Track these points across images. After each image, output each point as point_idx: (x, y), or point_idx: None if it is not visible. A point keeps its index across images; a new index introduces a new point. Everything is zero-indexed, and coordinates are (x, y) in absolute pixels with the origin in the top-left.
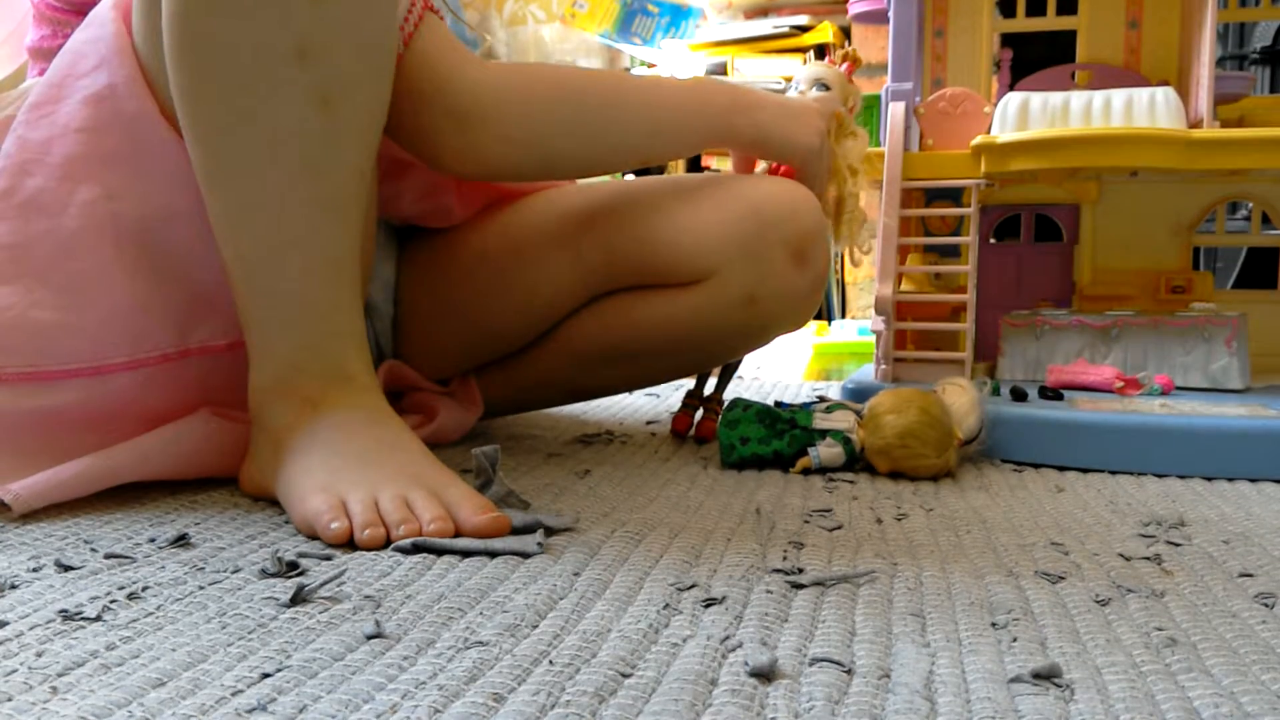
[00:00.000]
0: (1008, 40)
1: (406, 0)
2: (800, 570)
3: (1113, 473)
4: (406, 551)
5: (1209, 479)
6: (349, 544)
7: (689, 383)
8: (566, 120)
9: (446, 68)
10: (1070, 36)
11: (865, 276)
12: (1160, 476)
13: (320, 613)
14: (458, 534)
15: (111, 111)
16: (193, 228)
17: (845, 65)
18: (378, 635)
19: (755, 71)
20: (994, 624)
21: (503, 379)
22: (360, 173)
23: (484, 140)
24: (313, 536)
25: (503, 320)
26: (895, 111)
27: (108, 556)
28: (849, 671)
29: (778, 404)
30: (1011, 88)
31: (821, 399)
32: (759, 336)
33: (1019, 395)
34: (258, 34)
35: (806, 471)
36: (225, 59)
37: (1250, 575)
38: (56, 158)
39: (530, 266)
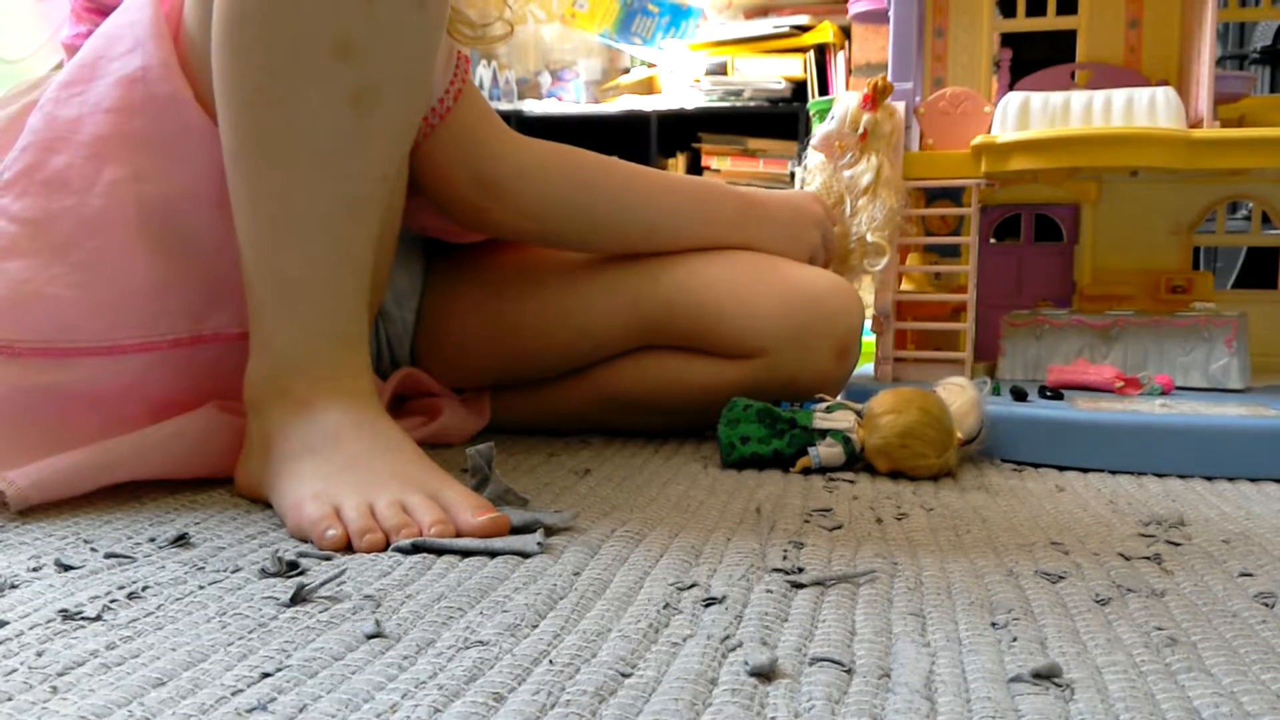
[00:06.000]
0: (1008, 40)
1: (452, 60)
2: (800, 570)
3: (1113, 472)
4: (406, 551)
5: (1209, 479)
6: (347, 549)
7: None
8: (575, 207)
9: (479, 139)
10: (1070, 36)
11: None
12: (1160, 476)
13: (320, 612)
14: (458, 535)
15: (144, 94)
16: (216, 214)
17: (863, 93)
18: (378, 635)
19: (755, 71)
20: (994, 623)
21: (520, 402)
22: (383, 176)
23: (499, 208)
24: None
25: (544, 351)
26: (899, 113)
27: (108, 556)
28: (849, 671)
29: (777, 403)
30: (1011, 87)
31: (821, 398)
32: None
33: (1019, 395)
34: (302, 23)
35: (806, 471)
36: (266, 43)
37: (1250, 575)
38: (85, 136)
39: (586, 306)
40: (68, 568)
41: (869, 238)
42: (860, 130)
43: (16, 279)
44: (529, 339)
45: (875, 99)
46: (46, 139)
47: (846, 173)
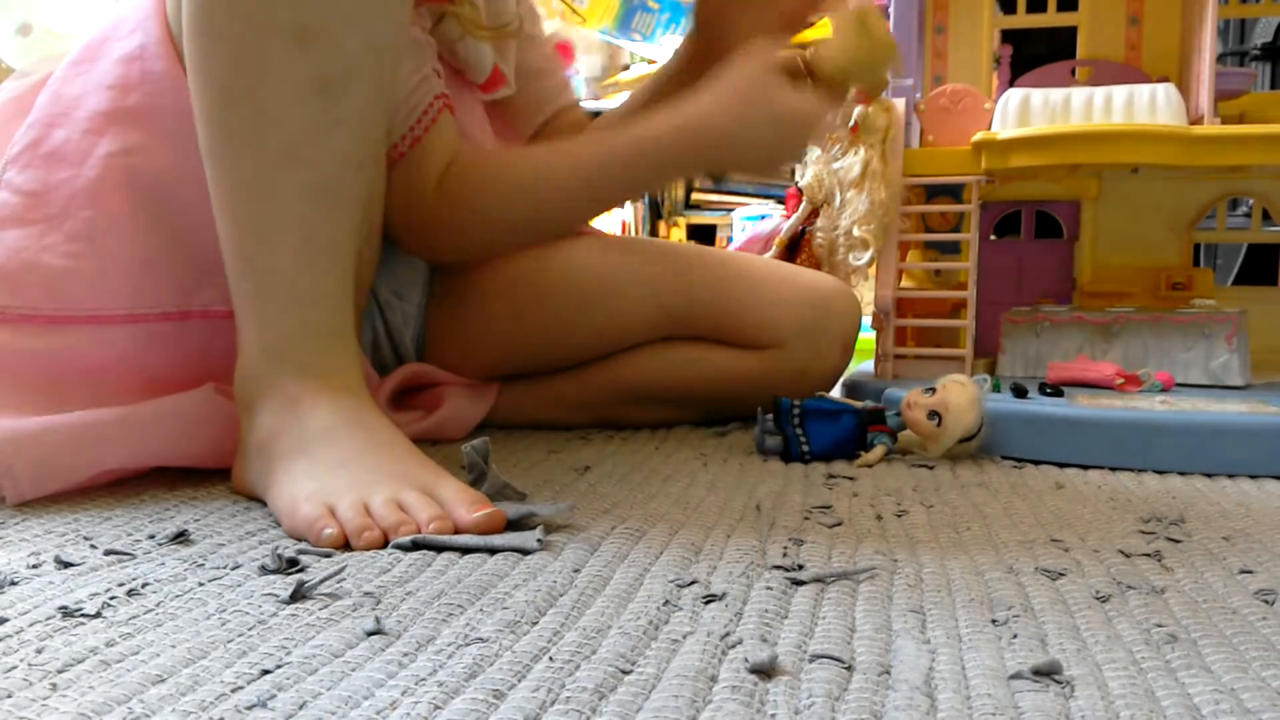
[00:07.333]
0: (1008, 36)
1: (418, 109)
2: (800, 567)
3: (1113, 469)
4: (406, 548)
5: (1209, 475)
6: (345, 547)
7: None
8: (514, 223)
9: (422, 185)
10: (1071, 33)
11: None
12: (1161, 473)
13: (320, 609)
14: (455, 532)
15: (140, 71)
16: (205, 191)
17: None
18: (378, 632)
19: None
20: (994, 620)
21: (528, 396)
22: (358, 165)
23: (437, 249)
24: None
25: (570, 339)
26: (896, 108)
27: (107, 553)
28: (849, 668)
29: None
30: (1011, 84)
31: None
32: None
33: (1019, 392)
34: (261, 12)
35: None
36: (228, 34)
37: (1250, 572)
38: (85, 112)
39: (616, 295)
40: (67, 565)
41: (854, 231)
42: (851, 123)
43: (13, 247)
44: (556, 327)
45: (869, 93)
46: (51, 115)
47: (836, 165)
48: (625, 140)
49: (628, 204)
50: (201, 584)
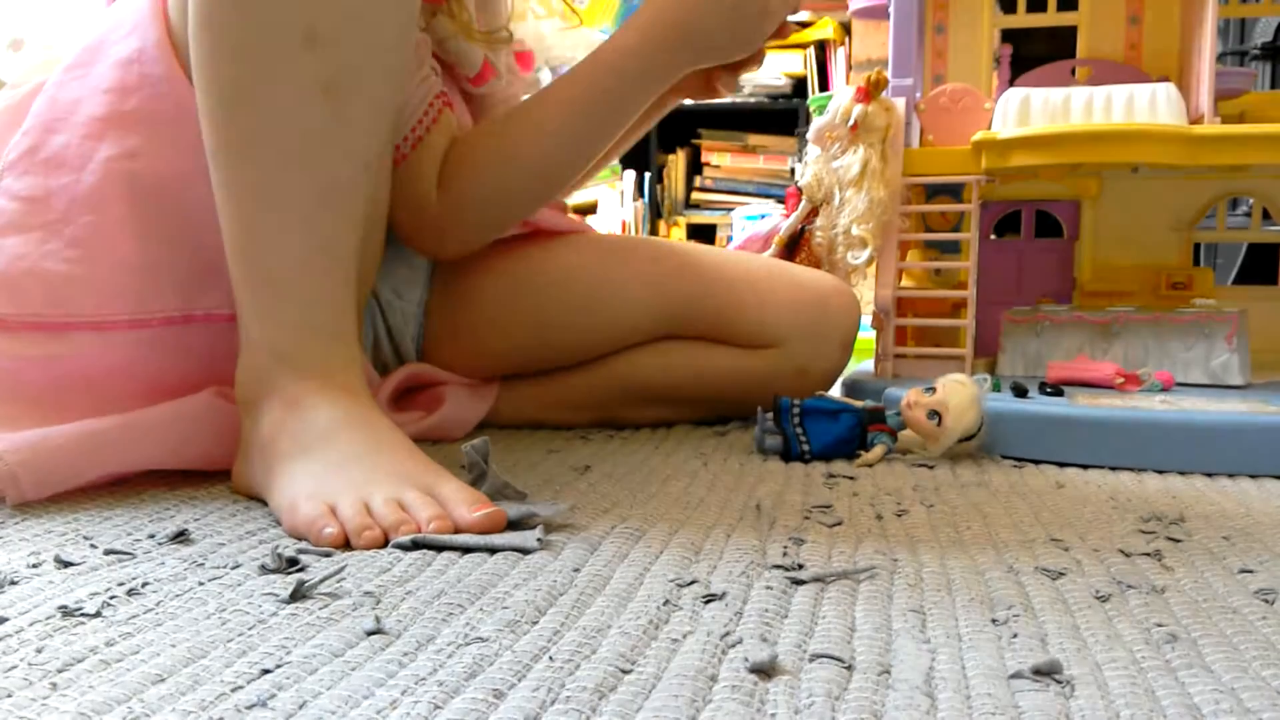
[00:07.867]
0: (1008, 36)
1: (421, 106)
2: (800, 566)
3: (1113, 469)
4: (406, 548)
5: (1210, 475)
6: (345, 546)
7: None
8: (521, 185)
9: (426, 185)
10: (1071, 32)
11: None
12: (1161, 472)
13: (320, 609)
14: (456, 531)
15: (139, 74)
16: (208, 193)
17: (858, 85)
18: (378, 631)
19: None
20: (994, 620)
21: (529, 395)
22: (363, 165)
23: (446, 243)
24: None
25: (571, 339)
26: (896, 107)
27: (107, 552)
28: (849, 667)
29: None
30: (1011, 84)
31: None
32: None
33: (1019, 391)
34: (268, 14)
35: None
36: (234, 36)
37: (1251, 571)
38: (83, 116)
39: (617, 293)
40: (67, 564)
41: (853, 230)
42: (851, 123)
43: (13, 255)
44: (556, 326)
45: (869, 92)
46: (48, 120)
47: (835, 164)
48: (595, 64)
49: (629, 201)
50: (201, 583)
